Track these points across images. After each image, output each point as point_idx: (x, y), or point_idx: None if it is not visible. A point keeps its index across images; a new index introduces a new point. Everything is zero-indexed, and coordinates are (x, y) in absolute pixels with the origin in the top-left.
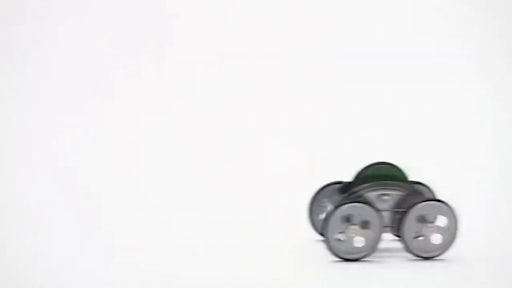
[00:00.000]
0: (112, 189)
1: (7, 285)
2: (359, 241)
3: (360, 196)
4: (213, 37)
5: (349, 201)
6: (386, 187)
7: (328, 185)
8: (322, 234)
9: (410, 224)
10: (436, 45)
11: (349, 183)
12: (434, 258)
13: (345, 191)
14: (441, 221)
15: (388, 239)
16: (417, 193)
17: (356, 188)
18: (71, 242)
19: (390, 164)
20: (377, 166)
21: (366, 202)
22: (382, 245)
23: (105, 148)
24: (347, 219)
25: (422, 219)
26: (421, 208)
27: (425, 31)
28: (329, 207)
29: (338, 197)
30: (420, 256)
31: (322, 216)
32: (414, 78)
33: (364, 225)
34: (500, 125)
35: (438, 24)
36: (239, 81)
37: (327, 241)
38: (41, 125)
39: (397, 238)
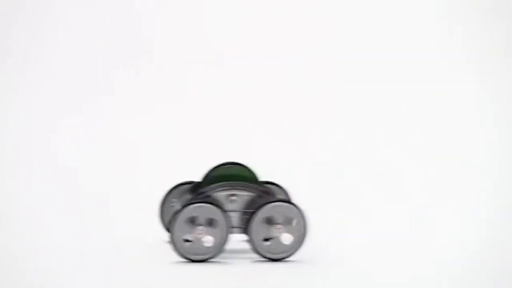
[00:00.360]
0: (112, 189)
1: (7, 285)
2: (206, 242)
3: (208, 196)
4: (213, 37)
5: (195, 202)
6: (235, 188)
7: (179, 185)
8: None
9: (257, 225)
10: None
11: (199, 183)
12: (283, 260)
13: (194, 192)
14: (290, 222)
15: (239, 240)
16: (267, 194)
17: (205, 189)
18: (70, 242)
19: (240, 164)
20: (226, 166)
21: (212, 203)
22: (232, 246)
23: (105, 147)
24: (193, 220)
25: (270, 221)
26: (269, 209)
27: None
28: (178, 207)
29: (186, 198)
30: (268, 258)
31: None
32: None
33: (211, 225)
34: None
35: (430, 22)
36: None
37: (173, 242)
38: (41, 124)
39: (247, 239)
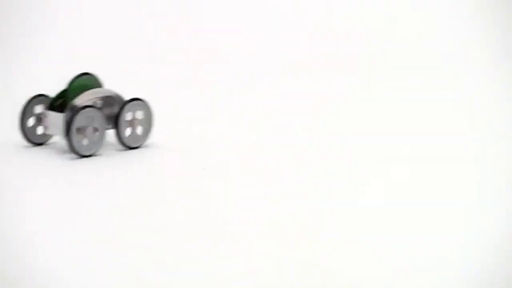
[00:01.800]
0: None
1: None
2: (93, 140)
3: (87, 102)
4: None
5: (80, 110)
6: (97, 95)
7: (35, 97)
8: (66, 135)
9: (122, 121)
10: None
11: (61, 93)
12: (140, 147)
13: (56, 102)
14: (140, 115)
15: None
16: (118, 96)
17: (77, 98)
18: (70, 242)
19: (89, 73)
20: (81, 77)
21: (93, 107)
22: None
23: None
24: (83, 123)
25: (130, 117)
26: (130, 106)
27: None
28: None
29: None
30: (130, 147)
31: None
32: None
33: (95, 125)
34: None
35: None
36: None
37: (70, 145)
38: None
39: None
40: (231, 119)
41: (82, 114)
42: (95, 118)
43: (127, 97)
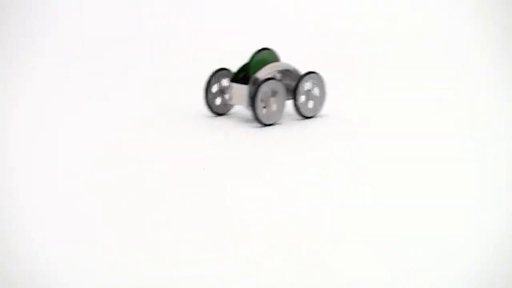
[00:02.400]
0: (112, 188)
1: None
2: (275, 110)
3: (268, 75)
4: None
5: (266, 79)
6: (277, 68)
7: (217, 71)
8: (251, 106)
9: (300, 92)
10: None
11: (243, 67)
12: (315, 116)
13: (239, 75)
14: (315, 87)
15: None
16: (295, 69)
17: (259, 71)
18: (69, 242)
19: (268, 49)
20: (260, 52)
21: (276, 79)
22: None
23: (104, 147)
24: (267, 94)
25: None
26: (306, 79)
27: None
28: (222, 88)
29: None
30: (306, 116)
31: (216, 98)
32: None
33: (276, 96)
34: None
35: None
36: None
37: (255, 112)
38: (39, 123)
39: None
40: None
41: (265, 86)
42: (276, 89)
43: (302, 70)
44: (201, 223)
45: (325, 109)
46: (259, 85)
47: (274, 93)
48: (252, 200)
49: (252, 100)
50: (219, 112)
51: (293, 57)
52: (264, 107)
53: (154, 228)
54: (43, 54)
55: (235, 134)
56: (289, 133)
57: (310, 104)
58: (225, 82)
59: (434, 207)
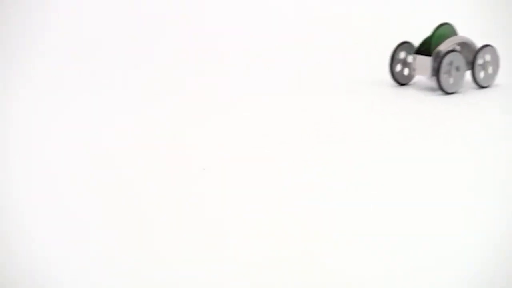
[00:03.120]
0: (111, 187)
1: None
2: (456, 80)
3: (449, 47)
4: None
5: (448, 52)
6: (456, 41)
7: (402, 44)
8: (435, 76)
9: (477, 63)
10: None
11: (425, 41)
12: (490, 86)
13: (422, 48)
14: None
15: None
16: (472, 42)
17: (441, 44)
18: (68, 241)
19: (447, 23)
20: (441, 27)
21: (457, 51)
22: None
23: (103, 146)
24: (449, 65)
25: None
26: (482, 51)
27: None
28: (405, 60)
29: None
30: (482, 86)
31: (399, 69)
32: None
33: (457, 67)
34: None
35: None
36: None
37: (439, 82)
38: (38, 122)
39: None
40: None
41: (447, 58)
42: (457, 61)
43: (478, 43)
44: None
45: (499, 79)
46: (442, 57)
47: (455, 64)
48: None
49: (436, 71)
50: (402, 82)
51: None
52: (447, 77)
53: (158, 228)
54: (45, 53)
55: (421, 101)
56: (467, 100)
57: (486, 74)
58: (402, 54)
59: (433, 206)
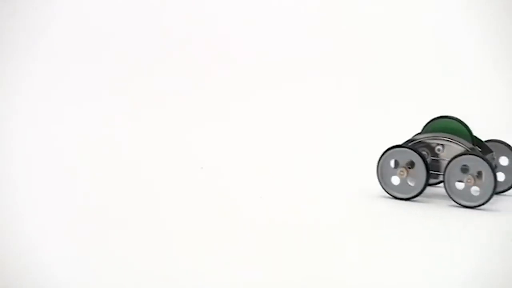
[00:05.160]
0: (110, 187)
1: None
2: (409, 182)
3: (416, 142)
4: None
5: (399, 146)
6: (444, 139)
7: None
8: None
9: (451, 170)
10: None
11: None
12: (473, 208)
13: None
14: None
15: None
16: (473, 149)
17: (417, 136)
18: (67, 241)
19: (457, 119)
20: (444, 119)
21: (412, 148)
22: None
23: (103, 147)
24: (397, 162)
25: (464, 171)
26: (462, 159)
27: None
28: None
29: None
30: (459, 204)
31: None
32: None
33: (412, 168)
34: None
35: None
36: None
37: (380, 182)
38: (37, 122)
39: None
40: None
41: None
42: (414, 158)
43: None
44: None
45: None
46: (388, 149)
47: (410, 164)
48: None
49: (378, 163)
50: None
51: None
52: None
53: (158, 228)
54: (45, 54)
55: None
56: None
57: (468, 191)
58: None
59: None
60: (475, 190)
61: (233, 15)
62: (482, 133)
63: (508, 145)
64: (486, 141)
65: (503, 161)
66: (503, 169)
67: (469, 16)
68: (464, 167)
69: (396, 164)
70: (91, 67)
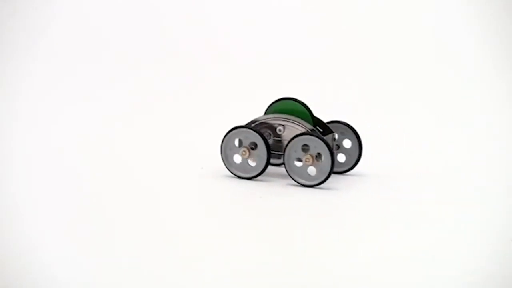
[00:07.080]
0: (110, 187)
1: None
2: (250, 162)
3: (258, 123)
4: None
5: (242, 126)
6: (285, 119)
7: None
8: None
9: (290, 150)
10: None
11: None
12: (309, 187)
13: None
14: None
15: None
16: (313, 131)
17: (259, 118)
18: (67, 241)
19: (298, 101)
20: (285, 101)
21: (254, 129)
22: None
23: (103, 147)
24: (240, 142)
25: (304, 150)
26: (301, 139)
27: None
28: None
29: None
30: (297, 182)
31: None
32: None
33: (254, 149)
34: None
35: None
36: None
37: (224, 160)
38: (37, 122)
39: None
40: None
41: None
42: (256, 140)
43: None
44: None
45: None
46: (232, 129)
47: (253, 145)
48: None
49: (222, 142)
50: None
51: None
52: None
53: (157, 228)
54: (45, 55)
55: None
56: None
57: (305, 170)
58: None
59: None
60: (312, 170)
61: (233, 15)
62: (483, 134)
63: (351, 127)
64: (329, 122)
65: (346, 143)
66: (346, 151)
67: (469, 16)
68: (304, 147)
69: (241, 144)
70: (91, 67)
